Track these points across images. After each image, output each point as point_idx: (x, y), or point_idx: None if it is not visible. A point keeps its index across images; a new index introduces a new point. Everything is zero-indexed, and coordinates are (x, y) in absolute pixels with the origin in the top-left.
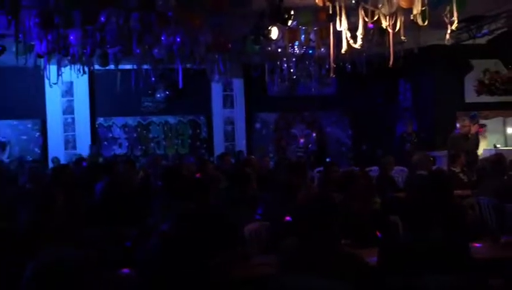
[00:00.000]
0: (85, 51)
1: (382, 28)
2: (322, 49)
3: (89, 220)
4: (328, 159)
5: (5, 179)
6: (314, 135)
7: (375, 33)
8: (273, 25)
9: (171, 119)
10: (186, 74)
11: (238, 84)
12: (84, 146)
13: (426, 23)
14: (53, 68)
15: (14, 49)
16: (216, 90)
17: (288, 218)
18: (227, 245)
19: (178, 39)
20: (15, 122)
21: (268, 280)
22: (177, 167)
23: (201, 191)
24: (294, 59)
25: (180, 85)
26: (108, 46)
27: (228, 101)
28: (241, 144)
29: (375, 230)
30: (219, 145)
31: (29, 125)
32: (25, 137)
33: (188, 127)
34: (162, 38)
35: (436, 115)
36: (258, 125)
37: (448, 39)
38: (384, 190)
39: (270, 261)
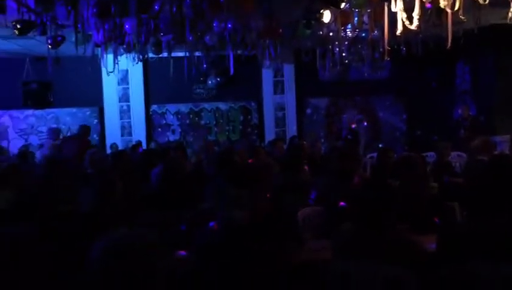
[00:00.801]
0: (139, 39)
1: (440, 7)
2: (376, 32)
3: (145, 205)
4: (380, 145)
5: (66, 164)
6: (366, 120)
7: (433, 13)
8: (325, 8)
9: (222, 106)
10: (237, 60)
11: (288, 69)
12: (139, 133)
13: (487, 1)
14: (109, 57)
15: (72, 39)
16: (267, 76)
17: (342, 203)
18: (284, 231)
19: (229, 26)
20: (74, 109)
21: (324, 265)
22: (229, 153)
23: (255, 177)
24: (346, 43)
25: (231, 72)
26: (161, 34)
27: (279, 87)
28: (291, 129)
29: (433, 216)
30: (270, 131)
31: (88, 113)
32: (84, 124)
33: (239, 113)
34: (214, 25)
35: (497, 98)
36: (308, 111)
37: (511, 17)
38: (441, 176)
39: (324, 247)
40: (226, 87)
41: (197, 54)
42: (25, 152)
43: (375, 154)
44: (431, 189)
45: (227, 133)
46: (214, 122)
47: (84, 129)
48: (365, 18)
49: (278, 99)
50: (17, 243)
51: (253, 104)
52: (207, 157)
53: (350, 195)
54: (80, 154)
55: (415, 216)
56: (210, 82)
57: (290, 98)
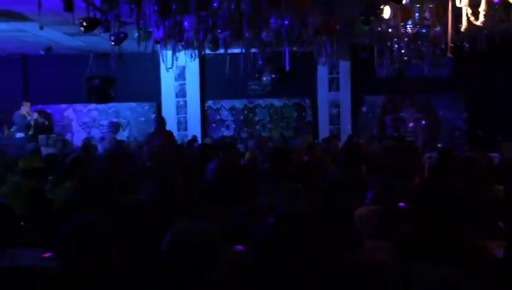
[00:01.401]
0: (198, 36)
1: (508, 2)
2: (437, 28)
3: (201, 199)
4: (439, 145)
5: (126, 157)
6: (425, 118)
7: (500, 8)
8: (385, 3)
9: (277, 102)
10: (293, 56)
11: (344, 66)
12: (194, 128)
13: None
14: (168, 53)
15: (134, 36)
16: (322, 72)
17: (401, 204)
18: (340, 230)
19: (286, 22)
20: (133, 104)
21: (381, 266)
22: (285, 149)
23: (310, 174)
24: (406, 39)
25: (287, 68)
26: (219, 30)
27: (334, 84)
28: (346, 127)
29: (498, 220)
30: (324, 129)
31: (146, 108)
32: (142, 118)
33: (293, 110)
34: (271, 21)
35: None
36: (364, 109)
37: None
38: (507, 178)
39: (381, 247)
40: (280, 83)
41: (252, 50)
42: (88, 145)
43: (433, 154)
44: (496, 192)
45: (280, 129)
46: (268, 119)
47: (163, 120)
48: (427, 14)
49: (332, 97)
50: (97, 230)
51: (307, 101)
52: (261, 153)
53: (410, 196)
54: (165, 145)
55: (478, 220)
56: (265, 78)
57: (345, 95)
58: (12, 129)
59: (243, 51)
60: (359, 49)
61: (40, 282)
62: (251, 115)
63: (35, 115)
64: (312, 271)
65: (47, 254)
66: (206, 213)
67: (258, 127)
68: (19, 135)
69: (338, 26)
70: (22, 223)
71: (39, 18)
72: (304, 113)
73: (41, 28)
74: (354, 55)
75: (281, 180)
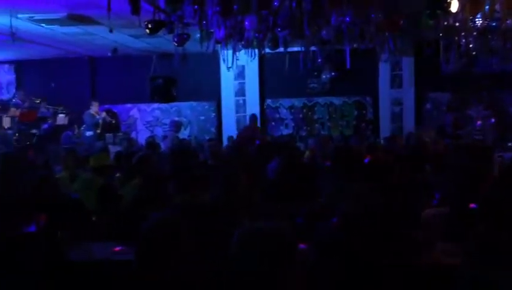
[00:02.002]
0: (257, 35)
1: None
2: (509, 21)
3: (262, 197)
4: (510, 144)
5: (187, 155)
6: (493, 116)
7: None
8: None
9: (336, 100)
10: (353, 54)
11: (407, 62)
12: None
13: None
14: (228, 53)
15: (195, 36)
16: (384, 70)
17: (473, 205)
18: (406, 231)
19: (348, 19)
20: (194, 103)
21: (454, 269)
22: (347, 148)
23: (373, 174)
24: (474, 33)
25: (348, 66)
26: (279, 29)
27: (396, 81)
28: (409, 125)
29: None
30: (385, 127)
31: (206, 107)
32: (202, 117)
33: (353, 108)
34: (332, 18)
35: None
36: (428, 106)
37: None
38: None
39: (452, 249)
40: (340, 81)
41: (312, 48)
42: (153, 143)
43: (505, 154)
44: None
45: (340, 128)
46: (327, 117)
47: (255, 117)
48: (497, 6)
49: (395, 94)
50: (176, 227)
51: (368, 98)
52: (322, 151)
53: (481, 197)
54: (253, 139)
55: None
56: (324, 76)
57: (408, 92)
58: (82, 128)
59: (303, 49)
60: (423, 44)
61: (114, 276)
62: (310, 113)
63: (104, 114)
64: (377, 273)
65: (118, 248)
66: (267, 212)
67: (317, 125)
68: (88, 133)
69: (401, 22)
70: (94, 218)
71: (108, 21)
72: (364, 112)
73: (110, 30)
74: (418, 51)
75: (343, 179)
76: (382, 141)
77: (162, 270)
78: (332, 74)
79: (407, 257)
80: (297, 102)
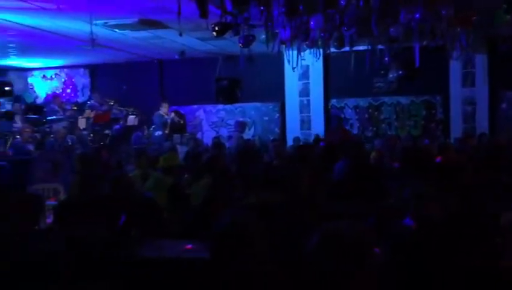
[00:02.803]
0: (322, 34)
1: None
2: None
3: (330, 196)
4: None
5: (252, 156)
6: None
7: None
8: None
9: (404, 100)
10: (422, 51)
11: (481, 60)
12: (318, 127)
13: None
14: (293, 53)
15: (260, 38)
16: (454, 67)
17: None
18: (481, 234)
19: (417, 15)
20: (258, 104)
21: None
22: (417, 149)
23: (445, 175)
24: None
25: (417, 64)
26: (345, 28)
27: (469, 79)
28: (482, 125)
29: None
30: (456, 127)
31: (270, 107)
32: (266, 118)
33: (422, 107)
34: (401, 16)
35: None
36: (504, 105)
37: None
38: None
39: None
40: (408, 80)
41: (379, 46)
42: (218, 143)
43: None
44: None
45: (408, 128)
46: (394, 117)
47: (341, 120)
48: None
49: (467, 93)
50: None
51: (438, 97)
52: (389, 152)
53: None
54: (342, 141)
55: None
56: (391, 75)
57: (481, 91)
58: (151, 129)
59: (369, 47)
60: (498, 40)
61: (186, 273)
62: (376, 113)
63: (172, 115)
64: (450, 276)
65: (189, 246)
66: (334, 212)
67: (383, 125)
68: (157, 133)
69: (474, 17)
70: (165, 216)
71: (177, 25)
72: (433, 111)
73: (180, 34)
74: (492, 48)
75: (414, 181)
76: (453, 142)
77: (237, 268)
78: (400, 72)
79: (486, 259)
80: (362, 102)
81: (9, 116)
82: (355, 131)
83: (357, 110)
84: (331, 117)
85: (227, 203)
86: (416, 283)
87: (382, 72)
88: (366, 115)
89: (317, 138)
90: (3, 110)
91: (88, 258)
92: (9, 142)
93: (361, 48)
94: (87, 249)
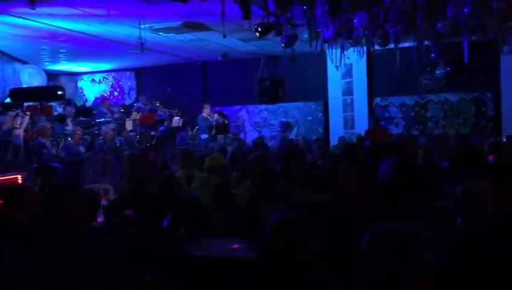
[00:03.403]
0: (366, 32)
1: None
2: None
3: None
4: None
5: (297, 156)
6: None
7: None
8: None
9: (452, 97)
10: (471, 47)
11: None
12: (362, 126)
13: None
14: (336, 52)
15: (302, 37)
16: (506, 63)
17: None
18: None
19: (466, 10)
20: (301, 104)
21: None
22: (468, 147)
23: (499, 173)
24: None
25: (465, 60)
26: (390, 25)
27: None
28: None
29: None
30: (508, 125)
31: (313, 107)
32: (309, 117)
33: (471, 104)
34: (448, 10)
35: None
36: None
37: None
38: None
39: None
40: (456, 77)
41: (425, 42)
42: (262, 144)
43: None
44: None
45: (456, 126)
46: (442, 115)
47: (376, 119)
48: None
49: None
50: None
51: (488, 94)
52: (438, 151)
53: None
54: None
55: None
56: (438, 72)
57: None
58: (195, 130)
59: (415, 44)
60: None
61: (234, 272)
62: (422, 111)
63: (216, 116)
64: (504, 277)
65: (236, 245)
66: (382, 212)
67: (430, 124)
68: (204, 136)
69: None
70: (212, 216)
71: (220, 27)
72: (484, 108)
73: (224, 36)
74: None
75: (466, 181)
76: (505, 140)
77: (286, 268)
78: (448, 69)
79: None
80: (408, 100)
81: (61, 119)
82: (400, 130)
83: (403, 108)
84: (371, 118)
85: (272, 203)
86: (469, 285)
87: (429, 69)
88: (412, 113)
89: (361, 138)
90: (55, 113)
91: (137, 256)
92: (61, 144)
93: (406, 44)
94: (136, 247)
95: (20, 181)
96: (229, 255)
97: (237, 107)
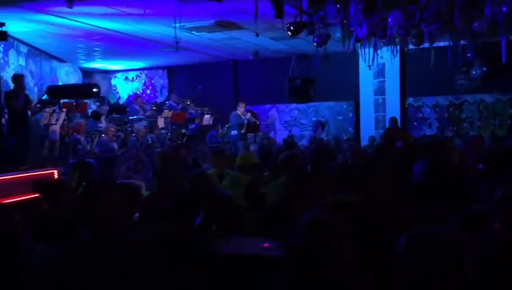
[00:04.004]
0: (400, 31)
1: None
2: None
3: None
4: None
5: (328, 156)
6: None
7: None
8: None
9: (488, 98)
10: (509, 46)
11: None
12: None
13: None
14: (369, 51)
15: (334, 36)
16: None
17: None
18: None
19: (504, 9)
20: (332, 103)
21: None
22: (504, 149)
23: None
24: None
25: (503, 60)
26: (425, 24)
27: None
28: None
29: None
30: None
31: (344, 106)
32: (340, 117)
33: (508, 106)
34: (486, 9)
35: None
36: None
37: None
38: None
39: None
40: (492, 77)
41: (461, 42)
42: (292, 143)
43: None
44: None
45: (492, 128)
46: (477, 116)
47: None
48: None
49: None
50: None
51: None
52: (472, 153)
53: None
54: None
55: None
56: (474, 72)
57: None
58: (225, 128)
59: (450, 43)
60: None
61: (266, 270)
62: (457, 112)
63: (249, 115)
64: None
65: (267, 244)
66: (416, 215)
67: (464, 125)
68: (233, 132)
69: None
70: (243, 214)
71: (252, 26)
72: None
73: (257, 35)
74: None
75: (505, 184)
76: None
77: (320, 268)
78: (484, 69)
79: None
80: (442, 100)
81: (96, 116)
82: (433, 131)
83: (436, 109)
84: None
85: (304, 202)
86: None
87: (464, 68)
88: (446, 114)
89: (390, 138)
90: (89, 110)
91: (171, 253)
92: (95, 141)
93: (441, 44)
94: (170, 244)
95: (56, 176)
96: (260, 254)
97: (267, 106)
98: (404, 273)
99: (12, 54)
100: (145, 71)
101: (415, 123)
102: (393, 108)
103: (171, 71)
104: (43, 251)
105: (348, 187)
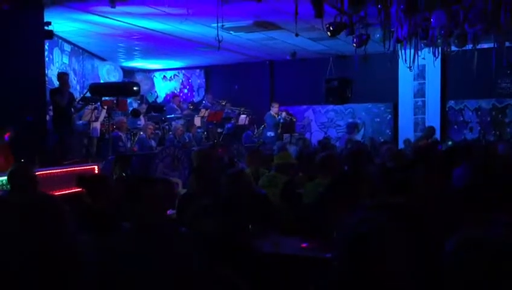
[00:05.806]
0: (442, 32)
1: None
2: None
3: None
4: None
5: (365, 158)
6: None
7: None
8: None
9: None
10: None
11: None
12: None
13: None
14: (408, 52)
15: (373, 37)
16: None
17: None
18: None
19: None
20: (369, 105)
21: None
22: None
23: None
24: None
25: None
26: (469, 25)
27: None
28: None
29: None
30: None
31: (382, 108)
32: (378, 119)
33: None
34: None
35: None
36: None
37: None
38: None
39: None
40: None
41: (507, 44)
42: (327, 144)
43: None
44: None
45: None
46: None
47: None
48: None
49: None
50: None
51: None
52: None
53: None
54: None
55: None
56: None
57: None
58: (261, 128)
59: (495, 45)
60: None
61: (305, 271)
62: (500, 116)
63: (284, 115)
64: None
65: (304, 244)
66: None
67: (508, 129)
68: (269, 133)
69: None
70: (279, 213)
71: (290, 26)
72: None
73: (296, 35)
74: None
75: None
76: None
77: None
78: None
79: None
80: (484, 103)
81: (136, 114)
82: (475, 135)
83: (478, 112)
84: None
85: (344, 204)
86: None
87: (509, 71)
88: (489, 118)
89: (435, 141)
90: (129, 108)
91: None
92: (135, 138)
93: (485, 45)
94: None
95: (96, 171)
96: (298, 254)
97: (304, 106)
98: (454, 277)
99: (56, 52)
100: (183, 71)
101: (456, 127)
102: (433, 111)
103: (208, 71)
104: (88, 241)
105: (391, 189)
